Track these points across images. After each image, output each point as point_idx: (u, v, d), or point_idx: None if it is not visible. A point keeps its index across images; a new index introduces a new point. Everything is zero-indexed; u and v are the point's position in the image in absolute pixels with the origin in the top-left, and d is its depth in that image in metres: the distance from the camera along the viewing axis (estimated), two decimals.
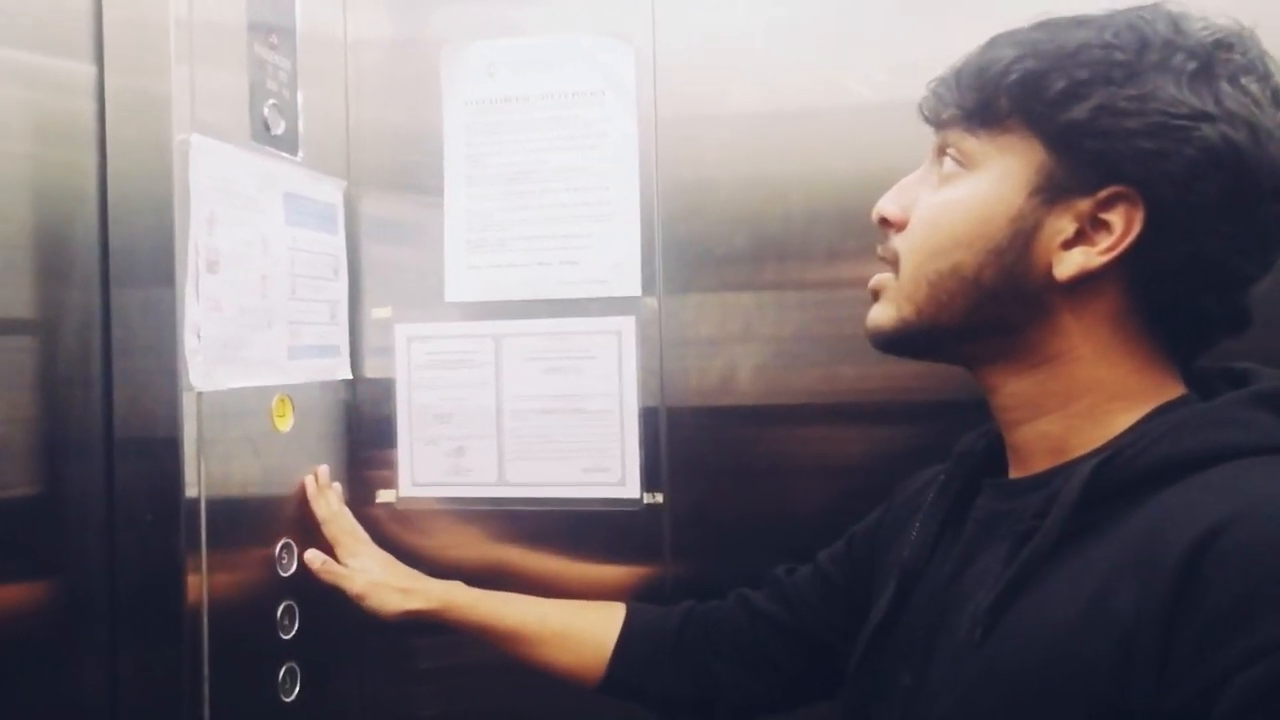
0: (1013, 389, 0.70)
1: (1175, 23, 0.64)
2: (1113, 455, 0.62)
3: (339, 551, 1.05)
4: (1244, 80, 0.63)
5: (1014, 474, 0.73)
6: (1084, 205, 0.64)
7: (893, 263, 0.72)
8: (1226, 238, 0.63)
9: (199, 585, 0.88)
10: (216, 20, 0.93)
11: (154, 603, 0.87)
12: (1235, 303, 0.67)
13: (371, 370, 1.17)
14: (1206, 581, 0.53)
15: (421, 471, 1.16)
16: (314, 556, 1.03)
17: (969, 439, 0.81)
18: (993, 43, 0.68)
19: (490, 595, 1.04)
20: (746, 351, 1.09)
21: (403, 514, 1.16)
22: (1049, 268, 0.65)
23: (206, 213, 0.90)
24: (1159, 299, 0.66)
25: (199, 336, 0.88)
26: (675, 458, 1.10)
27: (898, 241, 0.72)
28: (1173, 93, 0.61)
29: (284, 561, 1.01)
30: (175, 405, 0.87)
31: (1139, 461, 0.61)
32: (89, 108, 0.87)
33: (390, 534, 1.16)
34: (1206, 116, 0.61)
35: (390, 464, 1.17)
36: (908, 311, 0.71)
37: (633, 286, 1.11)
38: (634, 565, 1.11)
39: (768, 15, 1.08)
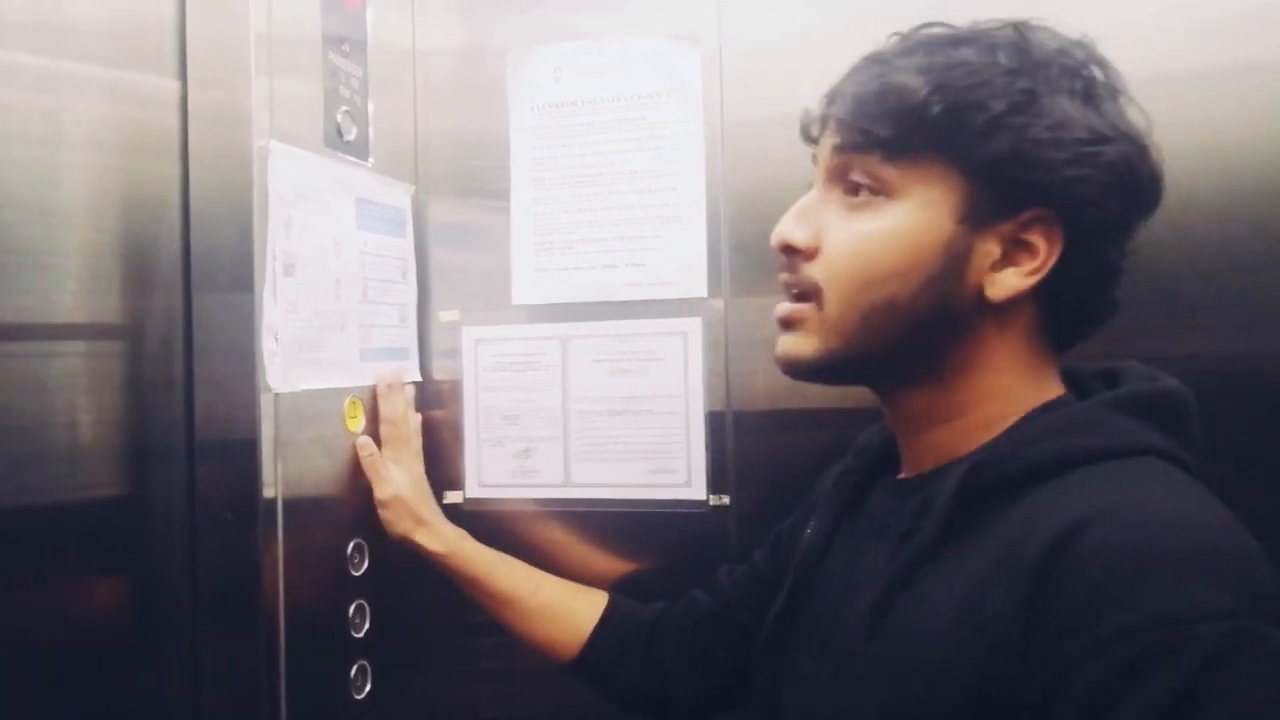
0: (916, 401, 0.73)
1: (1047, 42, 0.68)
2: (984, 459, 0.65)
3: (385, 452, 1.06)
4: (1119, 97, 0.68)
5: (906, 473, 0.76)
6: (1007, 229, 0.67)
7: (810, 293, 0.72)
8: (1122, 246, 0.69)
9: (276, 583, 0.90)
10: (293, 33, 0.95)
11: (234, 600, 0.89)
12: (1114, 297, 0.71)
13: (439, 372, 1.19)
14: (1058, 584, 0.56)
15: (488, 472, 1.17)
16: (366, 443, 1.03)
17: (869, 432, 0.84)
18: (887, 65, 0.69)
19: (491, 553, 1.06)
20: None
21: (470, 514, 1.17)
22: (979, 290, 0.68)
23: (284, 217, 0.92)
24: (1067, 307, 0.70)
25: (276, 338, 0.90)
26: (742, 460, 1.10)
27: (814, 271, 0.71)
28: (1076, 117, 0.65)
29: (355, 561, 1.03)
30: (254, 407, 0.89)
31: (1007, 465, 0.64)
32: (172, 120, 0.89)
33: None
34: (1106, 138, 0.66)
35: (457, 465, 1.18)
36: (835, 343, 0.71)
37: (699, 288, 1.11)
38: (699, 567, 1.10)
39: (834, 16, 1.07)
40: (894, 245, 0.68)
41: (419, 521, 1.04)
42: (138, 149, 0.87)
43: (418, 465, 1.09)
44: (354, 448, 1.03)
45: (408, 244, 1.15)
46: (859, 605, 0.68)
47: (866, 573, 0.71)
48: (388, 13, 1.12)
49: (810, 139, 0.75)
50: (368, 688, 1.04)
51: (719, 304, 1.11)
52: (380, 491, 1.04)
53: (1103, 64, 0.68)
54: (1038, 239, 0.67)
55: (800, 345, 0.73)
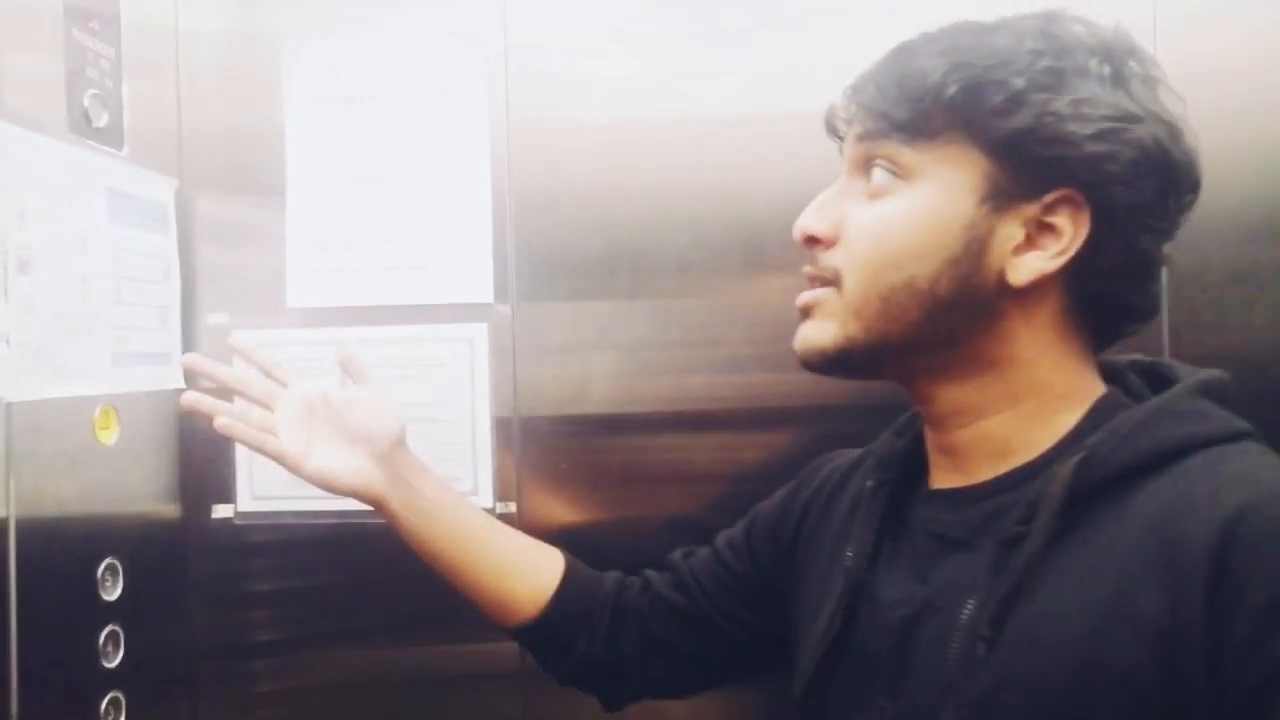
0: (952, 396, 0.71)
1: (1077, 27, 0.67)
2: (1089, 455, 0.63)
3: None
4: (1148, 80, 0.67)
5: (948, 480, 0.73)
6: (1031, 210, 0.66)
7: (829, 280, 0.71)
8: (1157, 232, 0.67)
9: (5, 613, 0.81)
10: (25, 3, 0.86)
11: None
12: (1154, 291, 0.70)
13: (207, 380, 1.11)
14: (1241, 576, 0.56)
15: (261, 484, 1.11)
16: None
17: (887, 441, 0.80)
18: (911, 53, 0.69)
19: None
20: (599, 360, 1.08)
21: (241, 529, 1.11)
22: (1001, 274, 0.66)
23: (16, 208, 0.83)
24: (1097, 295, 0.68)
25: (8, 342, 0.82)
26: (528, 466, 1.09)
27: (834, 258, 0.70)
28: (1105, 96, 0.64)
29: (107, 584, 0.95)
30: None
31: (1115, 459, 0.63)
32: None
33: (228, 551, 1.10)
34: (1135, 117, 0.64)
35: (227, 477, 1.11)
36: (854, 329, 0.69)
37: (485, 293, 1.09)
38: None
39: (621, 24, 1.09)
40: (912, 226, 0.67)
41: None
42: None
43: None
44: (107, 450, 0.95)
45: (170, 241, 1.07)
46: (967, 621, 0.64)
47: (947, 590, 0.68)
48: None
49: (835, 134, 0.74)
50: None
51: (505, 309, 1.09)
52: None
53: (1136, 51, 0.67)
54: (1063, 221, 0.65)
55: (818, 333, 0.71)
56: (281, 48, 1.10)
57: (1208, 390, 0.67)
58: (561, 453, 1.08)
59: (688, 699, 0.97)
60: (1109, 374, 0.72)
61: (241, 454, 1.11)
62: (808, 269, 0.73)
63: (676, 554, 0.96)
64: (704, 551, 0.95)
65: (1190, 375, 0.68)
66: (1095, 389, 0.70)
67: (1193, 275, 1.03)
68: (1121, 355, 0.74)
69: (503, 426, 1.09)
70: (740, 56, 1.08)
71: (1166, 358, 0.74)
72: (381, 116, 1.10)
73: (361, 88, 1.10)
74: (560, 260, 1.09)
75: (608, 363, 1.08)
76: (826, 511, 0.84)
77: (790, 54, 1.07)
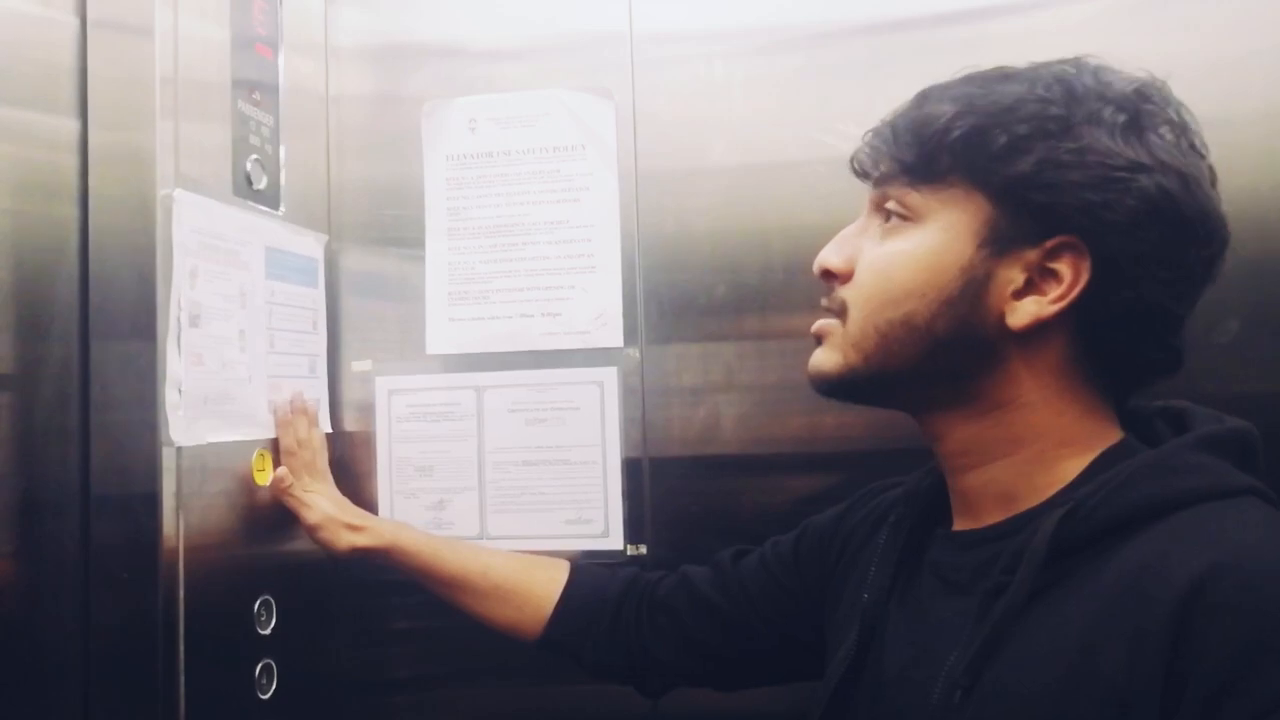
0: (960, 435, 0.71)
1: (1099, 76, 0.66)
2: (1075, 507, 0.63)
3: (295, 484, 1.03)
4: (1167, 130, 0.66)
5: (961, 523, 0.73)
6: (1032, 255, 0.66)
7: (839, 312, 0.73)
8: (1165, 283, 0.65)
9: (175, 645, 0.86)
10: (201, 77, 0.94)
11: (130, 663, 0.85)
12: (1171, 344, 0.68)
13: (351, 423, 1.16)
14: (1202, 637, 0.54)
15: None
16: (284, 475, 1.02)
17: (915, 478, 0.81)
18: (926, 97, 0.70)
19: (436, 540, 1.05)
20: (729, 401, 1.09)
21: (382, 568, 1.14)
22: (1001, 317, 0.66)
23: (189, 267, 0.90)
24: (1104, 344, 0.67)
25: (180, 391, 0.88)
26: (659, 508, 1.10)
27: (845, 292, 0.72)
28: (1109, 145, 0.64)
29: (262, 618, 1.00)
30: (154, 460, 0.86)
31: (1101, 512, 0.62)
32: (71, 162, 0.87)
33: (370, 589, 1.14)
34: (1143, 167, 0.63)
35: None
36: (855, 359, 0.71)
37: (615, 337, 1.12)
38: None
39: (744, 72, 1.11)
40: (913, 265, 0.68)
41: (355, 529, 1.02)
42: (33, 190, 0.84)
43: (330, 486, 1.07)
44: (264, 491, 1.01)
45: (319, 294, 1.13)
46: (948, 669, 0.65)
47: (940, 632, 0.68)
48: (300, 59, 1.11)
49: (860, 174, 0.75)
50: None
51: (635, 353, 1.11)
52: (310, 518, 1.02)
53: (1165, 101, 0.66)
54: (1064, 267, 0.65)
55: (823, 359, 0.73)
56: (421, 107, 1.16)
57: (1210, 443, 0.65)
58: (692, 494, 1.09)
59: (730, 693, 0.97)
60: (1138, 419, 0.71)
61: (383, 495, 1.15)
62: (823, 300, 0.75)
63: (725, 554, 0.97)
64: (752, 556, 0.95)
65: (1205, 424, 0.67)
66: (1107, 436, 0.68)
67: None
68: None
69: (632, 468, 1.11)
70: (860, 98, 1.07)
71: (1189, 403, 0.70)
72: (516, 170, 1.14)
73: (497, 143, 1.15)
74: (688, 303, 1.10)
75: (737, 404, 1.09)
76: (866, 543, 0.83)
77: (908, 95, 1.06)
